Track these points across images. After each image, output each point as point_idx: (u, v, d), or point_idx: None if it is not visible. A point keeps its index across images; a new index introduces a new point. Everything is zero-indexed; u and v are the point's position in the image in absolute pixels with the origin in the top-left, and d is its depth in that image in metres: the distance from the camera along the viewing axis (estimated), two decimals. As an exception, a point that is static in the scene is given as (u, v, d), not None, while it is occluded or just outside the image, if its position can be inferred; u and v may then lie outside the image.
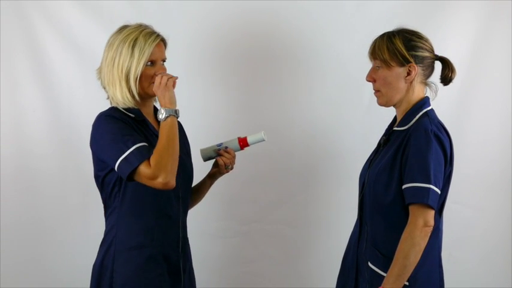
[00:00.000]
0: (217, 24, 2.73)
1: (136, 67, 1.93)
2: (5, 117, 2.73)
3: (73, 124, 2.73)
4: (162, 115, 1.90)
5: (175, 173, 1.87)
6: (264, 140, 2.13)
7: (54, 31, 2.70)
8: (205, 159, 2.17)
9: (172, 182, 1.85)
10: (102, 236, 2.04)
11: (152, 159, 1.84)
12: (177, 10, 2.71)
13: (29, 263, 2.79)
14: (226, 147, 2.13)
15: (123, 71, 1.93)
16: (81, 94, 2.72)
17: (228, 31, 2.73)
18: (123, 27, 2.00)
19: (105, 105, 2.05)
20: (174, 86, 1.95)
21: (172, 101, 1.93)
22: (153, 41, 1.96)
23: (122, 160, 1.85)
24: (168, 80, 1.93)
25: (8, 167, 2.74)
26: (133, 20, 2.04)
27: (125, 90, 1.95)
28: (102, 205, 2.06)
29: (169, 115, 1.90)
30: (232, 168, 2.17)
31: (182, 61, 2.59)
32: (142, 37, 1.95)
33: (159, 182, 1.83)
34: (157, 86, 1.93)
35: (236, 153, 2.18)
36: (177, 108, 1.93)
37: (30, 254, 2.79)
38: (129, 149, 1.85)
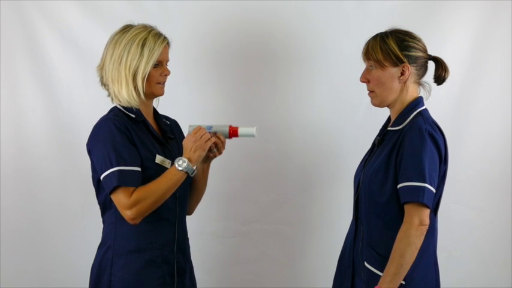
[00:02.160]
0: (216, 24, 2.73)
1: (145, 67, 1.94)
2: (5, 117, 2.73)
3: (73, 124, 2.74)
4: (180, 165, 1.91)
5: (145, 216, 1.89)
6: (254, 136, 2.06)
7: (54, 31, 2.70)
8: None
9: (137, 222, 1.89)
10: (101, 237, 2.05)
11: (136, 193, 1.87)
12: (177, 10, 2.71)
13: (29, 263, 2.80)
14: (215, 133, 2.04)
15: (131, 70, 1.94)
16: (81, 94, 2.72)
17: (227, 31, 2.73)
18: (129, 27, 2.00)
19: (105, 105, 2.06)
20: (208, 148, 1.97)
21: (198, 160, 1.95)
22: (162, 42, 1.98)
23: (105, 176, 1.88)
24: (208, 140, 1.95)
25: (7, 167, 2.74)
26: (133, 20, 2.04)
27: (131, 88, 1.95)
28: (101, 205, 2.07)
29: (186, 171, 1.91)
30: (220, 153, 2.07)
31: (181, 60, 2.59)
32: (152, 37, 1.96)
33: (127, 214, 1.87)
34: (193, 135, 1.95)
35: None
36: (195, 168, 1.94)
37: (30, 254, 2.79)
38: (112, 167, 1.87)
